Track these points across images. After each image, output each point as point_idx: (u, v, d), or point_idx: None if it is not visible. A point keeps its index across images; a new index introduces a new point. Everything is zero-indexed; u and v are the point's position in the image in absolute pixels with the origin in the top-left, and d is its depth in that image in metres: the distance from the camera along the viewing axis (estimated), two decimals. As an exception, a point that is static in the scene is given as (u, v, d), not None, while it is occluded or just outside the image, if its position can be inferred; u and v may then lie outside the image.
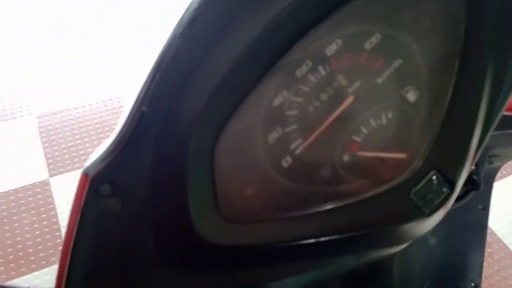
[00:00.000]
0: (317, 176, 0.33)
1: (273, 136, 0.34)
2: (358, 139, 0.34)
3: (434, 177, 0.31)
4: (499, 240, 1.53)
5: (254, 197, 0.33)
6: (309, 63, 0.34)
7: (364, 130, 0.34)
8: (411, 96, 0.34)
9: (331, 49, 0.34)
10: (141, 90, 0.32)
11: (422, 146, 0.33)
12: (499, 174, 0.85)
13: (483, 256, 0.94)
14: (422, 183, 0.31)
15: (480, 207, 0.84)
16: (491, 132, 0.36)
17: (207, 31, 0.32)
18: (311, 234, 0.31)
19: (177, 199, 0.31)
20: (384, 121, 0.34)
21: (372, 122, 0.34)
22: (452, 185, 0.31)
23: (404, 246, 0.37)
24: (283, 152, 0.34)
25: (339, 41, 0.34)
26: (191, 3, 0.32)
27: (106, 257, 0.33)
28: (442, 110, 0.33)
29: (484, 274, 0.93)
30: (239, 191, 0.33)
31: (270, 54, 0.33)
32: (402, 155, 0.33)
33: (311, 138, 0.33)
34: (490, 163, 0.70)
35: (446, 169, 0.32)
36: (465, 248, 0.93)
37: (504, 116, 0.38)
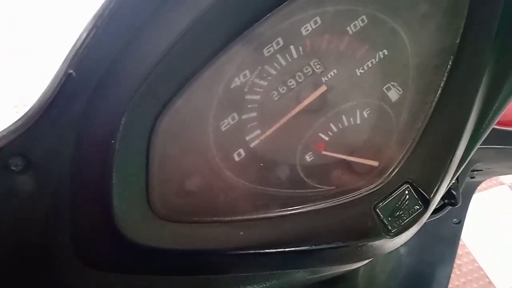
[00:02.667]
0: (272, 176, 0.29)
1: (227, 122, 0.29)
2: (325, 137, 0.30)
3: (406, 192, 0.27)
4: (469, 253, 1.53)
5: (195, 193, 0.29)
6: (280, 41, 0.29)
7: (333, 127, 0.30)
8: (393, 94, 0.30)
9: (307, 28, 0.29)
10: (71, 50, 0.27)
11: (398, 154, 0.29)
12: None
13: (451, 269, 0.93)
14: (392, 197, 0.27)
15: (455, 220, 0.82)
16: (478, 145, 0.32)
17: None
18: (256, 243, 0.27)
19: (99, 185, 0.26)
20: (358, 120, 0.30)
21: (344, 119, 0.30)
22: (426, 203, 0.27)
23: (365, 263, 0.33)
24: (236, 143, 0.29)
25: (318, 20, 0.29)
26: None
27: (11, 245, 0.28)
28: (426, 114, 0.29)
29: (450, 285, 0.92)
30: (178, 184, 0.28)
31: (233, 22, 0.28)
32: (373, 162, 0.29)
33: (271, 130, 0.29)
34: (472, 177, 0.67)
35: (421, 183, 0.28)
36: (434, 260, 0.91)
37: (494, 130, 0.34)
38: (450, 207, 0.50)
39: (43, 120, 0.27)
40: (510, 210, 1.63)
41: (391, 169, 0.29)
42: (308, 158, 0.29)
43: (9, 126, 0.28)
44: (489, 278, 1.47)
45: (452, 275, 0.89)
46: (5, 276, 0.29)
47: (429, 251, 0.87)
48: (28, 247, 0.28)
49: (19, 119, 0.28)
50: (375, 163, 0.29)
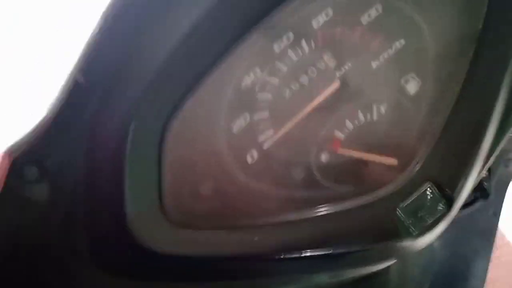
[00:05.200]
0: (287, 177, 0.28)
1: (239, 124, 0.29)
2: (341, 135, 0.29)
3: (429, 191, 0.26)
4: (508, 244, 1.48)
5: (210, 198, 0.29)
6: (291, 35, 0.29)
7: (349, 125, 0.29)
8: (412, 87, 0.29)
9: (319, 21, 0.29)
10: (78, 57, 0.27)
11: (418, 151, 0.28)
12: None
13: (488, 262, 0.90)
14: (413, 197, 0.26)
15: (490, 212, 0.79)
16: (507, 135, 0.30)
17: None
18: (271, 249, 0.27)
19: (111, 192, 0.27)
20: (376, 116, 0.29)
21: (361, 115, 0.29)
22: (449, 202, 0.26)
23: (388, 264, 0.32)
24: (249, 145, 0.29)
25: (330, 11, 0.29)
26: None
27: (28, 252, 0.29)
28: (447, 107, 0.28)
29: (489, 276, 0.89)
30: (190, 189, 0.28)
31: (242, 17, 0.28)
32: (392, 160, 0.28)
33: (284, 130, 0.28)
34: (506, 166, 0.64)
35: (444, 181, 0.27)
36: (470, 253, 0.89)
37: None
38: (482, 200, 0.48)
39: (55, 129, 0.27)
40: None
41: (411, 167, 0.28)
42: (324, 157, 0.28)
43: (23, 137, 0.29)
44: (530, 269, 1.42)
45: (490, 266, 0.86)
46: (23, 283, 0.30)
47: (464, 244, 0.85)
48: (45, 254, 0.29)
49: (32, 129, 0.28)
50: (394, 161, 0.28)
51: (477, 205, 0.48)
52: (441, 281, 0.81)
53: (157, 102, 0.27)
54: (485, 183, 0.45)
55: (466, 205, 0.50)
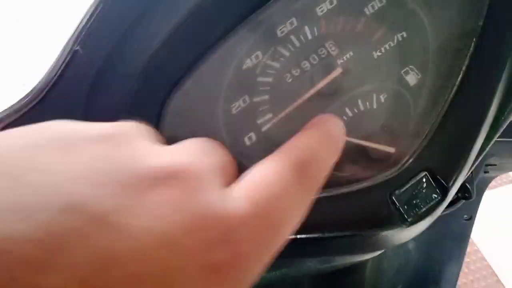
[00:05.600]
0: (284, 161, 0.28)
1: (238, 105, 0.28)
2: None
3: (424, 180, 0.27)
4: (477, 251, 1.52)
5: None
6: (294, 21, 0.29)
7: (348, 112, 0.29)
8: (412, 78, 0.29)
9: (323, 8, 0.29)
10: (77, 26, 0.26)
11: (415, 140, 0.28)
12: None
13: (460, 267, 0.92)
14: (409, 184, 0.27)
15: (465, 216, 0.81)
16: (498, 134, 0.31)
17: None
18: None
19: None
20: (375, 105, 0.29)
21: (360, 103, 0.29)
22: (444, 192, 0.27)
23: (378, 253, 0.32)
24: (247, 127, 0.28)
25: (335, 0, 0.29)
26: None
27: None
28: (446, 100, 0.28)
29: (458, 283, 0.91)
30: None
31: (246, 1, 0.27)
32: (389, 148, 0.28)
33: (284, 114, 0.28)
34: (486, 172, 0.66)
35: (440, 171, 0.27)
36: (443, 257, 0.91)
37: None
38: (464, 201, 0.49)
39: (49, 99, 0.27)
40: (521, 208, 1.62)
41: (408, 156, 0.28)
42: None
43: (13, 105, 0.28)
44: (497, 277, 1.47)
45: (460, 273, 0.88)
46: None
47: (438, 247, 0.87)
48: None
49: (23, 97, 0.27)
50: (391, 149, 0.28)
51: (458, 205, 0.49)
52: (413, 283, 0.82)
53: (156, 79, 0.26)
54: (468, 185, 0.46)
55: (449, 204, 0.51)
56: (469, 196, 0.48)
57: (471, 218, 0.83)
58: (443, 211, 0.35)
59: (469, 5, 0.28)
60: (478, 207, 0.82)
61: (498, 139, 0.32)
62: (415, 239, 0.80)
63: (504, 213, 1.57)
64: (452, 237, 0.88)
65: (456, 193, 0.44)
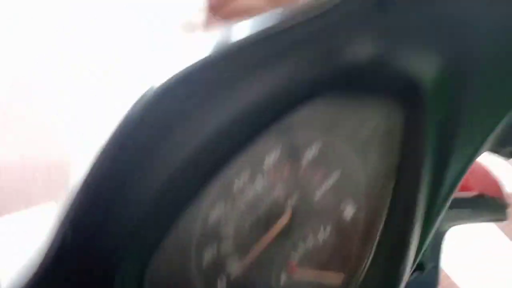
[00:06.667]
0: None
1: (208, 256, 0.33)
2: (296, 256, 0.34)
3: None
4: (453, 284, 1.59)
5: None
6: (247, 174, 0.34)
7: (302, 245, 0.34)
8: (349, 211, 0.35)
9: (270, 158, 0.35)
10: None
11: (361, 265, 0.34)
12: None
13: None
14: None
15: (429, 266, 0.87)
16: (431, 236, 0.37)
17: (143, 139, 0.31)
18: None
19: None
20: (323, 237, 0.35)
21: (311, 237, 0.35)
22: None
23: None
24: (218, 275, 0.33)
25: (279, 150, 0.35)
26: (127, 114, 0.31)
27: None
28: (379, 228, 0.34)
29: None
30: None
31: (211, 164, 0.33)
32: (340, 275, 0.34)
33: (248, 260, 0.33)
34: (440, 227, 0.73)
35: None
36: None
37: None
38: (419, 272, 0.55)
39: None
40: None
41: (355, 280, 0.33)
42: (283, 280, 0.33)
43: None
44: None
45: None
46: None
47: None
48: None
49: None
50: (342, 276, 0.34)
51: (413, 276, 0.55)
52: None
53: (137, 248, 0.31)
54: (421, 259, 0.52)
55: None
56: (422, 268, 0.54)
57: (436, 266, 0.88)
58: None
59: (385, 149, 0.35)
60: (440, 255, 0.87)
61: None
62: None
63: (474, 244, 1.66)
64: (421, 284, 0.92)
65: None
